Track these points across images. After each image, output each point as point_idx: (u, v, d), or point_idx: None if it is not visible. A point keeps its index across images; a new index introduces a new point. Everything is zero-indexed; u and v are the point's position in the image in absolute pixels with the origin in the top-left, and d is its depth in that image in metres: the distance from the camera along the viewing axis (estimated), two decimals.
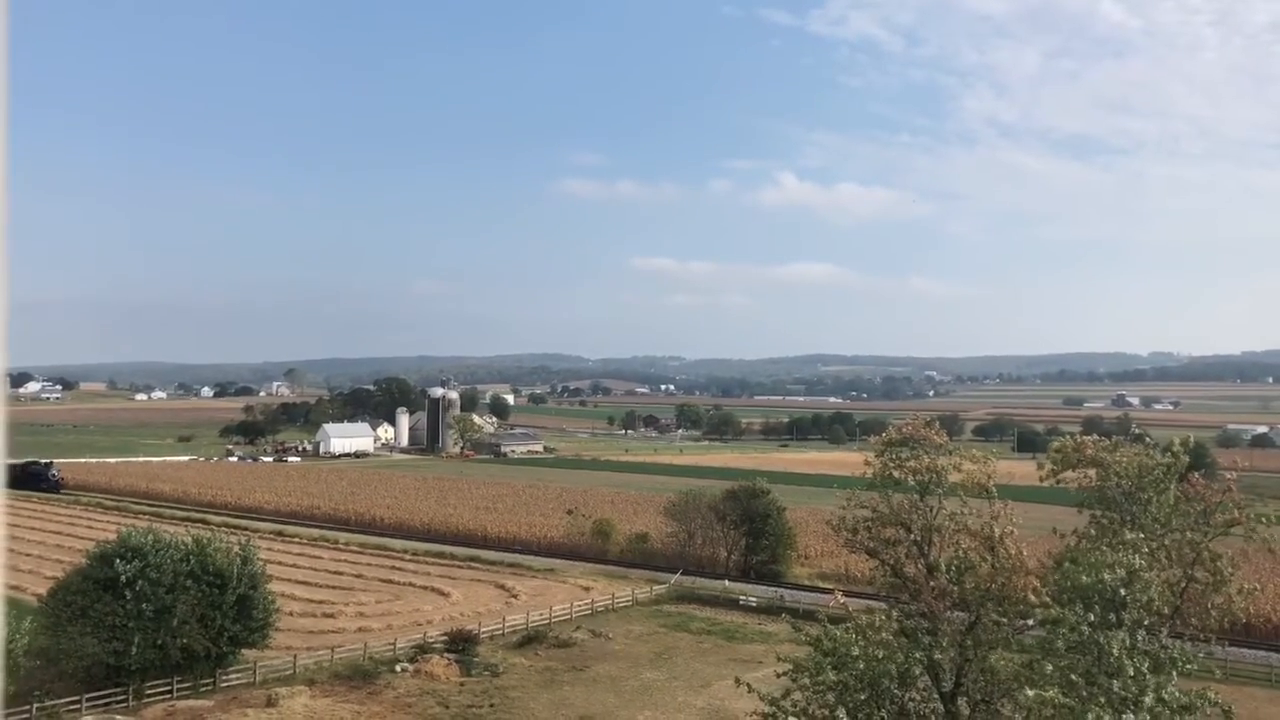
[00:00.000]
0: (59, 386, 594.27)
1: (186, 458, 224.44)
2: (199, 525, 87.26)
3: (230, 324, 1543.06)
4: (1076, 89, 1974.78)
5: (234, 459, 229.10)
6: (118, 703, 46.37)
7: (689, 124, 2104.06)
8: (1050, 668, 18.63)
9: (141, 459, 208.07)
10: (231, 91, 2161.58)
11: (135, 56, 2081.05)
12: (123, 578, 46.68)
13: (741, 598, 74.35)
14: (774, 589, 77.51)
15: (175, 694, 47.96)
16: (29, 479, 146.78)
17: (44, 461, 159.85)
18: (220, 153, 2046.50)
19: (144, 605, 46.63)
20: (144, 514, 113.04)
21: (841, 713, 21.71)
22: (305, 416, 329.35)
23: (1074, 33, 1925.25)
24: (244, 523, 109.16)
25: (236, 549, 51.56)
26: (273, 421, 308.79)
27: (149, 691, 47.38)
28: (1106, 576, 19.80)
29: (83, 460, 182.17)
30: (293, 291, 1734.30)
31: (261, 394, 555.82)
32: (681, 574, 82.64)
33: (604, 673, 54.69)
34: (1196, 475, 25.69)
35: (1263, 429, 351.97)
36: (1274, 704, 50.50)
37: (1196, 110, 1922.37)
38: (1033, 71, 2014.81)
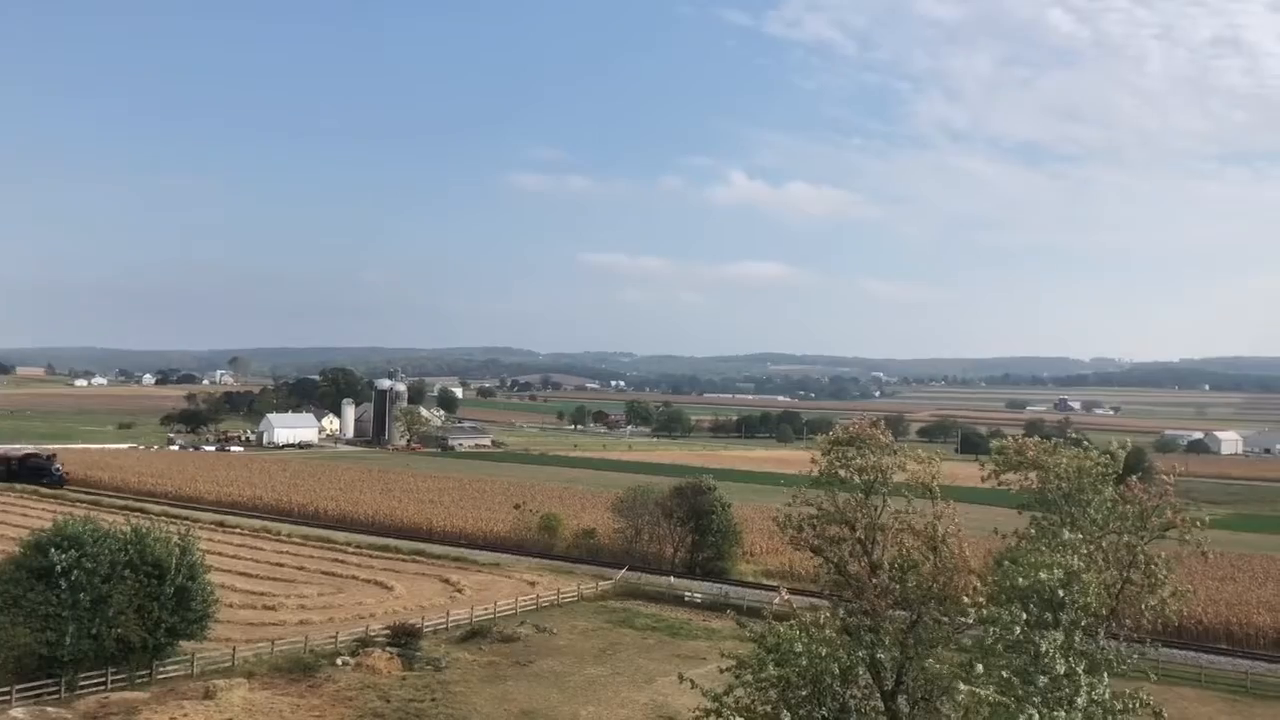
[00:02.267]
0: None
1: (126, 445, 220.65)
2: (138, 514, 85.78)
3: (173, 310, 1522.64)
4: (1027, 96, 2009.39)
5: (175, 447, 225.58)
6: (49, 694, 45.43)
7: (642, 120, 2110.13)
8: (980, 668, 18.85)
9: (80, 446, 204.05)
10: (176, 72, 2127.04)
11: (72, 30, 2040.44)
12: (58, 567, 45.73)
13: (686, 594, 74.56)
14: (719, 586, 77.82)
15: (110, 685, 47.08)
16: (29, 473, 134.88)
17: (46, 454, 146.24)
18: (164, 134, 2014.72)
19: (80, 595, 45.74)
20: (81, 502, 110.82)
21: (783, 709, 21.83)
22: (249, 405, 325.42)
23: (1025, 41, 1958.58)
24: (184, 512, 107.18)
25: (176, 539, 50.71)
26: (216, 410, 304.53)
27: (83, 683, 46.47)
28: (1044, 576, 20.09)
29: (19, 447, 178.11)
30: (238, 279, 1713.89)
31: (205, 382, 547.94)
32: (627, 570, 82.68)
33: (548, 668, 54.59)
34: (1134, 479, 26.12)
35: (1198, 435, 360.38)
36: (1203, 703, 51.70)
37: (1141, 121, 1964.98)
38: (984, 78, 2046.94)
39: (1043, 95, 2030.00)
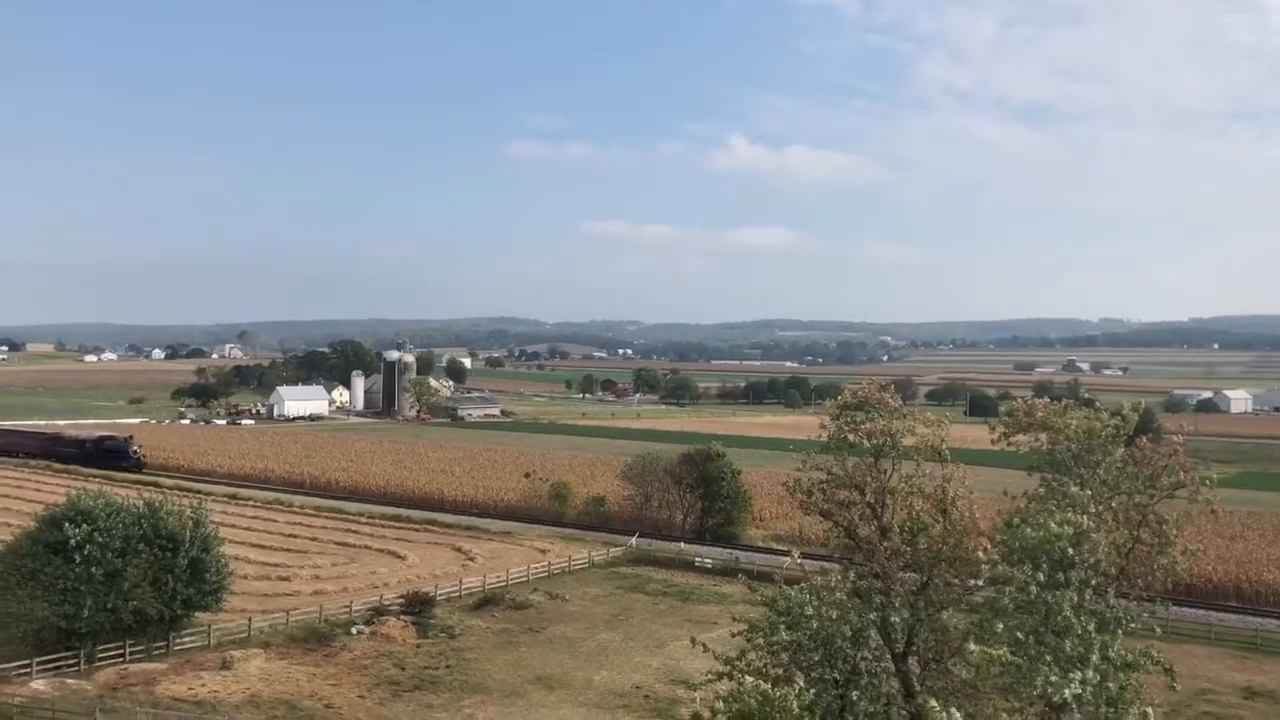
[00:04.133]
0: (5, 347, 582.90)
1: (138, 420, 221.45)
2: (151, 488, 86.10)
3: (182, 285, 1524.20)
4: (1031, 56, 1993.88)
5: (186, 421, 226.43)
6: (69, 666, 45.96)
7: (641, 85, 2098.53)
8: (1001, 626, 18.92)
9: (92, 421, 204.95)
10: (178, 46, 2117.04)
11: (75, 4, 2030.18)
12: (72, 541, 46.13)
13: (697, 559, 74.94)
14: (729, 551, 78.20)
15: (128, 657, 47.62)
16: (104, 456, 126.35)
17: (123, 436, 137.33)
18: (170, 110, 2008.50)
19: (94, 569, 46.14)
20: (94, 477, 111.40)
21: (795, 672, 21.97)
22: (259, 379, 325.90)
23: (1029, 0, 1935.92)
24: (197, 486, 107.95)
25: (189, 512, 51.07)
26: (225, 384, 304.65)
27: (101, 655, 47.00)
28: (1055, 529, 20.09)
29: (33, 423, 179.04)
30: (246, 253, 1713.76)
31: (214, 356, 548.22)
32: (638, 536, 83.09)
33: (560, 634, 55.01)
34: (1144, 439, 26.08)
35: (1207, 394, 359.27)
36: (1212, 660, 51.95)
37: (1147, 79, 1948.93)
38: (988, 38, 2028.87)
39: (1047, 55, 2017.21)
